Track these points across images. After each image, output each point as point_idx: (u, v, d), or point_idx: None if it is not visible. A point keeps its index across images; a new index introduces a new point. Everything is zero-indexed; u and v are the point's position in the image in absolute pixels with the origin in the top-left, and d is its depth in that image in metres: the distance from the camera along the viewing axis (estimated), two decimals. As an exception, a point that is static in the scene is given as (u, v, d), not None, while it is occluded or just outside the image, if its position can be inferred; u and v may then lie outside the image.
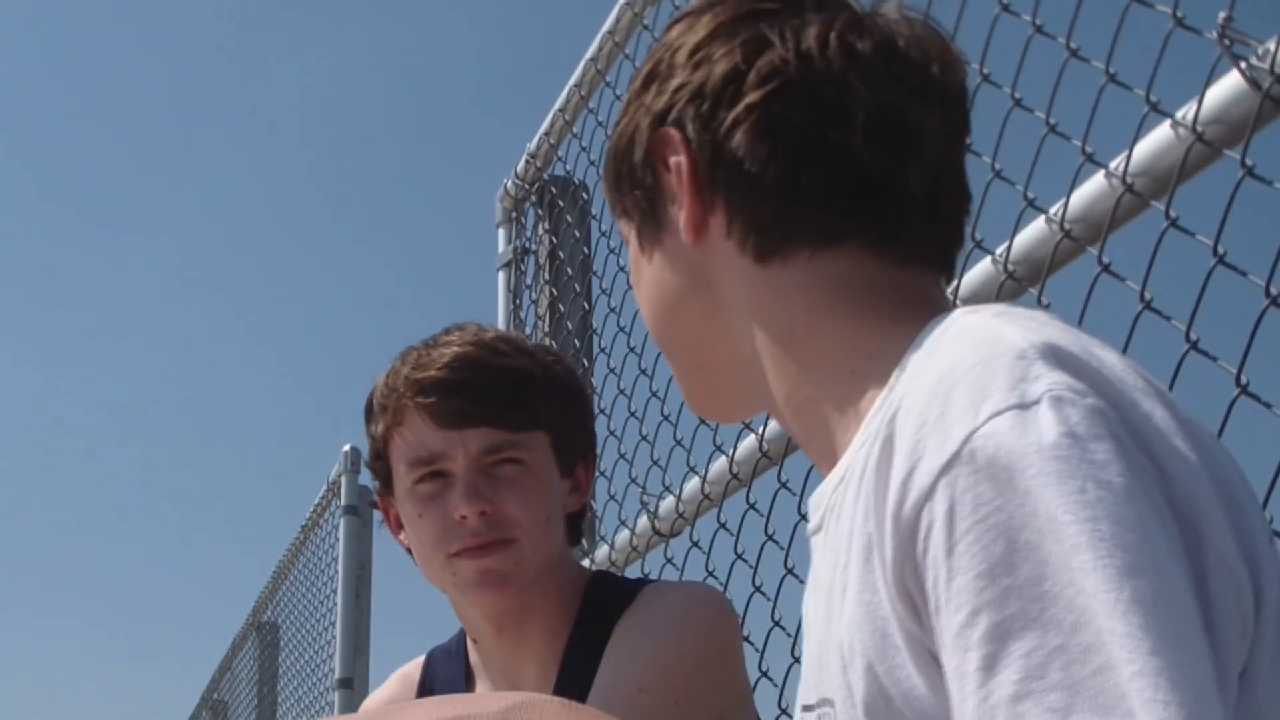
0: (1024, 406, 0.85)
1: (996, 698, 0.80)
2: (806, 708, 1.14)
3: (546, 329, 3.52)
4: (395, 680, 2.06)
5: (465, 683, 1.96)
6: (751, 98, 1.11)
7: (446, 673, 1.98)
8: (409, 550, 1.91)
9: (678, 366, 1.24)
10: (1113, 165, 1.72)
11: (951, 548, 0.84)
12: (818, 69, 1.10)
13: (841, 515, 1.01)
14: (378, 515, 1.93)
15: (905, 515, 0.88)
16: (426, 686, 1.99)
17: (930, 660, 0.89)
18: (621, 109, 1.23)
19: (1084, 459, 0.83)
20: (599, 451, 2.05)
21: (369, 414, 1.88)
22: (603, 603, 1.84)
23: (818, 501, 1.09)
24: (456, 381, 1.78)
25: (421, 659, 2.05)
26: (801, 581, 2.32)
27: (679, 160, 1.14)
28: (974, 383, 0.88)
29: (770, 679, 2.44)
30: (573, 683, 1.78)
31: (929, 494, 0.86)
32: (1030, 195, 1.87)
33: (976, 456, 0.85)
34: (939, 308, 1.09)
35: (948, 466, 0.86)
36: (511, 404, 1.80)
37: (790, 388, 1.13)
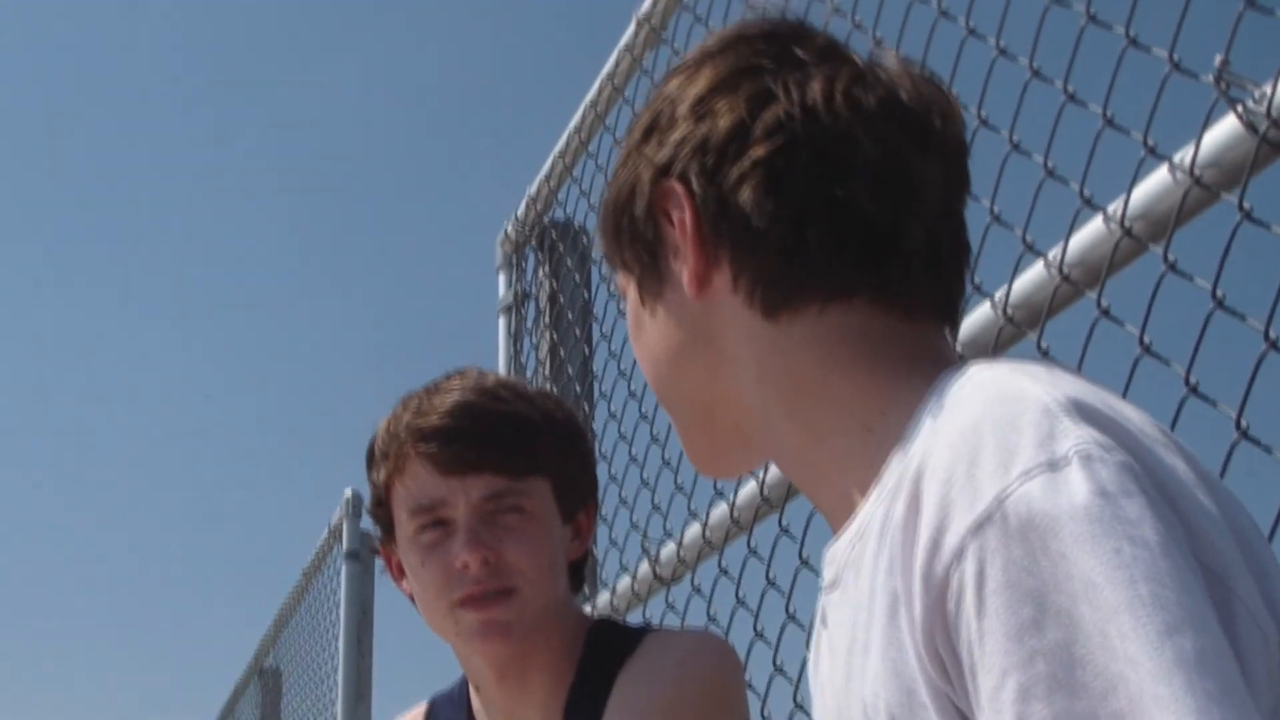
0: (1054, 466, 0.85)
1: None
2: None
3: (547, 373, 3.52)
4: None
5: None
6: (757, 152, 1.10)
7: (449, 718, 1.97)
8: (411, 598, 1.90)
9: (679, 421, 1.22)
10: (1111, 209, 1.71)
11: (981, 609, 0.84)
12: (824, 123, 1.10)
13: (860, 571, 1.01)
14: (379, 560, 1.92)
15: (935, 575, 0.88)
16: None
17: (958, 718, 0.88)
18: (619, 160, 1.22)
19: (1117, 517, 0.83)
20: (600, 497, 2.03)
21: (370, 460, 1.88)
22: (605, 649, 1.83)
23: (832, 558, 1.09)
24: (457, 429, 1.78)
25: (424, 706, 2.03)
26: (803, 627, 2.32)
27: (682, 215, 1.13)
28: (1001, 441, 0.88)
29: (770, 727, 2.42)
30: None
31: (959, 555, 0.86)
32: (1028, 239, 1.87)
33: (1009, 519, 0.84)
34: (948, 361, 1.09)
35: (977, 528, 0.85)
36: (512, 451, 1.79)
37: (800, 442, 1.12)
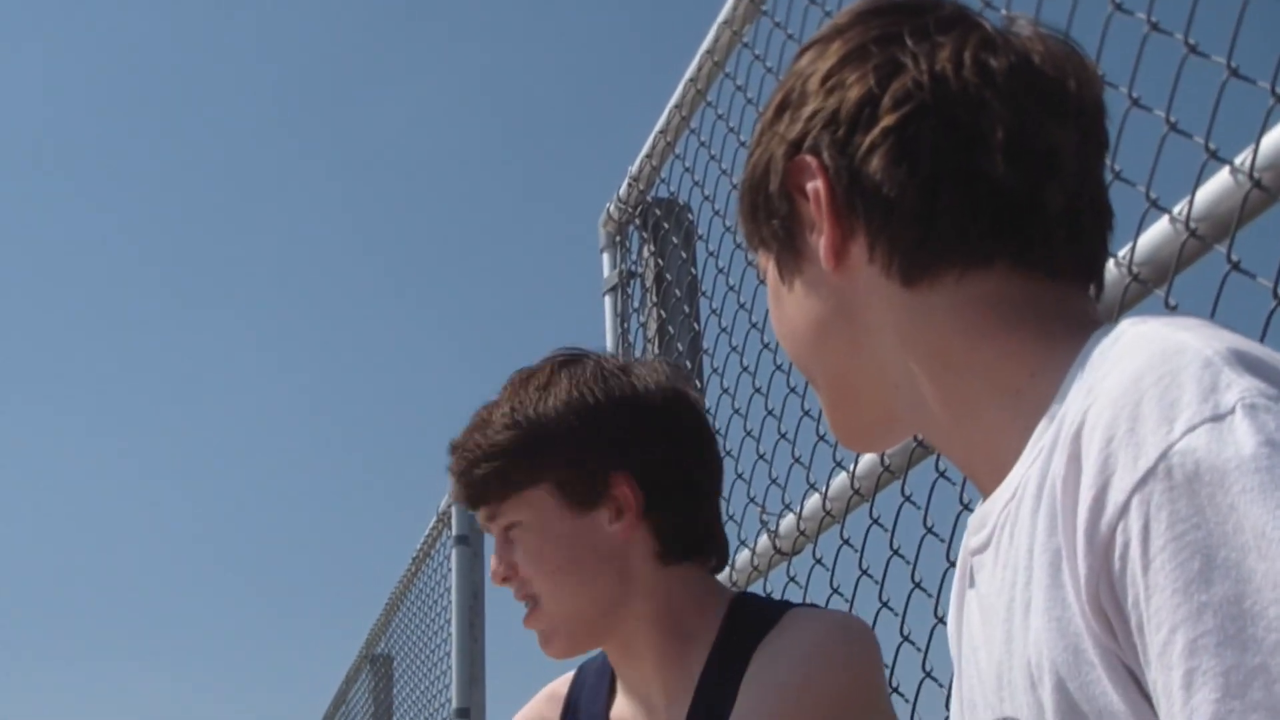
0: (1218, 418, 0.84)
1: (1200, 716, 0.79)
2: None
3: (656, 351, 3.52)
4: (542, 698, 2.08)
5: (608, 697, 1.97)
6: (887, 121, 1.10)
7: (592, 688, 2.00)
8: None
9: (823, 395, 1.22)
10: (1238, 160, 1.70)
11: (1148, 565, 0.84)
12: (953, 90, 1.10)
13: (1017, 532, 1.00)
14: (489, 544, 1.97)
15: (1099, 533, 0.87)
16: (572, 702, 2.02)
17: (1126, 675, 0.88)
18: (753, 140, 1.23)
19: None
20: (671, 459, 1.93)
21: None
22: (744, 624, 1.82)
23: (984, 520, 1.08)
24: (453, 472, 1.89)
25: (571, 674, 2.07)
26: (930, 595, 2.31)
27: (816, 186, 1.13)
28: (1163, 395, 0.87)
29: (901, 694, 2.41)
30: (705, 710, 1.78)
31: (1123, 512, 0.86)
32: (1153, 195, 1.85)
33: (1173, 473, 0.84)
34: (1094, 322, 1.08)
35: (1142, 483, 0.85)
36: (485, 484, 1.86)
37: (947, 411, 1.11)
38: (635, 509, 1.84)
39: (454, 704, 5.29)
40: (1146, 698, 0.87)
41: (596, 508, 1.84)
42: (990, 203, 1.08)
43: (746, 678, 1.74)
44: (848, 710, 1.69)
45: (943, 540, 2.26)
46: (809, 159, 1.14)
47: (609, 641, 1.88)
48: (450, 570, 5.54)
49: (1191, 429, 0.84)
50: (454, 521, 5.52)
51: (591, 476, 1.84)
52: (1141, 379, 0.89)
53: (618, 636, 1.86)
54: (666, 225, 3.62)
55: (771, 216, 1.19)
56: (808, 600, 2.31)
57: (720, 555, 1.94)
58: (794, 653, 1.72)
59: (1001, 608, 1.03)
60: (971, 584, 1.13)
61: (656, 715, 1.87)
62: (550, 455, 1.83)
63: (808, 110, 1.15)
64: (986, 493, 1.10)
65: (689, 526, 1.90)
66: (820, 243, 1.14)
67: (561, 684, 2.06)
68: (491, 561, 1.88)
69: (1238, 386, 0.85)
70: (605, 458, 1.84)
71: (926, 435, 1.18)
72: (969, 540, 1.14)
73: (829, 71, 1.15)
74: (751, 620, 1.82)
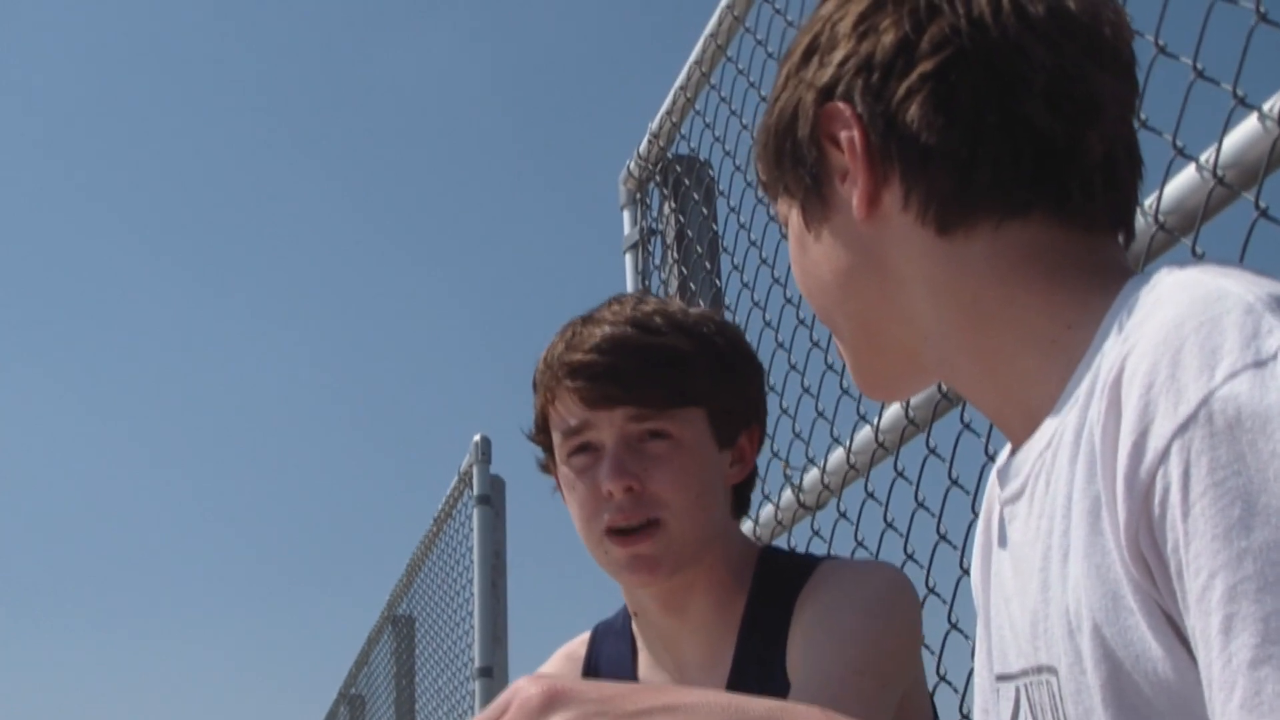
0: (1260, 364, 0.83)
1: (1237, 662, 0.79)
2: (1004, 676, 1.12)
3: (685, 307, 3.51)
4: (560, 658, 2.06)
5: (631, 659, 1.96)
6: (925, 67, 1.08)
7: (613, 650, 1.99)
8: None
9: (846, 344, 1.21)
10: (1266, 106, 1.68)
11: (1188, 511, 0.83)
12: (992, 35, 1.08)
13: (1053, 480, 1.00)
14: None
15: (1139, 479, 0.87)
16: (592, 664, 2.00)
17: (1165, 621, 0.88)
18: (777, 86, 1.21)
19: None
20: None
21: (533, 385, 1.91)
22: (777, 578, 1.83)
23: (1017, 469, 1.07)
24: (603, 365, 1.80)
25: (586, 636, 2.05)
26: (955, 547, 2.31)
27: (851, 134, 1.12)
28: (1204, 341, 0.86)
29: (927, 647, 2.41)
30: (752, 663, 1.78)
31: (1163, 458, 0.85)
32: (1179, 143, 1.84)
33: (1214, 419, 0.83)
34: (1127, 271, 1.07)
35: (1183, 429, 0.84)
36: (658, 384, 1.80)
37: (980, 362, 1.10)
38: (749, 462, 1.92)
39: (476, 663, 5.31)
40: (1185, 643, 0.87)
41: (726, 449, 1.87)
42: (1031, 150, 1.07)
43: (804, 631, 1.74)
44: (897, 658, 1.71)
45: (967, 492, 2.26)
46: (841, 106, 1.12)
47: (679, 581, 1.83)
48: (472, 530, 5.55)
49: (1233, 375, 0.83)
50: (475, 481, 5.54)
51: (737, 421, 1.89)
52: (1182, 325, 0.88)
53: (686, 578, 1.83)
54: (687, 182, 3.61)
55: (799, 164, 1.17)
56: (832, 554, 2.31)
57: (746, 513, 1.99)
58: (859, 604, 1.73)
59: (1037, 556, 1.02)
60: (1001, 534, 1.13)
61: (688, 671, 1.87)
62: (723, 385, 1.86)
63: (839, 55, 1.13)
64: (1017, 442, 1.10)
65: (751, 485, 1.97)
66: (851, 192, 1.12)
67: (579, 644, 2.05)
68: (607, 469, 1.78)
69: (1279, 332, 0.85)
70: (749, 409, 1.92)
71: (954, 384, 1.17)
72: (998, 490, 1.13)
73: (861, 15, 1.13)
74: (784, 573, 1.83)
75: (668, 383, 1.80)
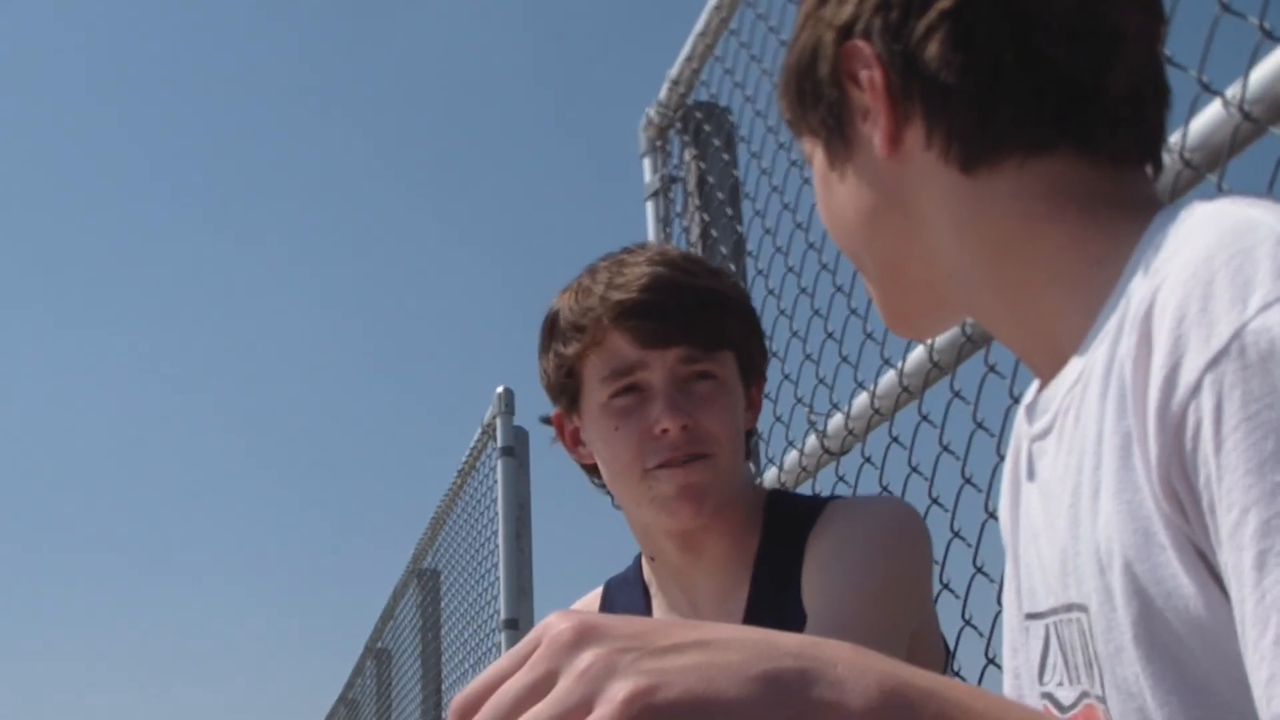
0: None
1: (1271, 598, 0.78)
2: (1034, 615, 1.11)
3: (701, 255, 3.50)
4: None
5: (645, 605, 1.97)
6: (943, 4, 1.07)
7: (626, 600, 1.99)
8: (586, 467, 1.95)
9: (872, 282, 1.20)
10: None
11: (1220, 445, 0.82)
12: None
13: (1082, 416, 0.98)
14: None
15: (1170, 413, 0.85)
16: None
17: (1197, 558, 0.86)
18: (797, 24, 1.19)
19: None
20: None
21: (556, 334, 1.89)
22: (787, 520, 1.85)
23: (1045, 405, 1.06)
24: (656, 303, 1.81)
25: (599, 590, 2.06)
26: (980, 490, 2.30)
27: (871, 73, 1.10)
28: (1236, 273, 0.84)
29: (952, 591, 2.41)
30: (766, 600, 1.80)
31: (1195, 391, 0.84)
32: (1204, 79, 1.81)
33: (1247, 352, 0.81)
34: (1156, 204, 1.05)
35: (1215, 362, 0.83)
36: (706, 324, 1.83)
37: (1005, 299, 1.09)
38: (758, 409, 1.97)
39: (502, 615, 5.33)
40: (1217, 579, 0.86)
41: (744, 394, 1.91)
42: (1053, 87, 1.05)
43: (818, 568, 1.75)
44: (910, 593, 1.74)
45: (992, 435, 2.25)
46: (861, 44, 1.11)
47: (711, 523, 1.84)
48: (496, 482, 5.56)
49: (1266, 307, 0.82)
50: (499, 433, 5.54)
51: (756, 368, 1.95)
52: (1213, 257, 0.86)
53: (709, 518, 1.84)
54: (707, 128, 3.59)
55: (820, 103, 1.16)
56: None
57: None
58: (872, 539, 1.75)
59: (1066, 493, 1.01)
60: (1030, 472, 1.11)
61: (702, 609, 1.88)
62: (750, 332, 1.94)
63: None
64: (1044, 379, 1.09)
65: (754, 434, 2.04)
66: (873, 131, 1.11)
67: (591, 599, 2.05)
68: (664, 407, 1.79)
69: None
70: (762, 358, 1.98)
71: (980, 321, 1.16)
72: (1026, 427, 1.12)
73: None
74: (795, 513, 1.86)
75: (714, 324, 1.84)
